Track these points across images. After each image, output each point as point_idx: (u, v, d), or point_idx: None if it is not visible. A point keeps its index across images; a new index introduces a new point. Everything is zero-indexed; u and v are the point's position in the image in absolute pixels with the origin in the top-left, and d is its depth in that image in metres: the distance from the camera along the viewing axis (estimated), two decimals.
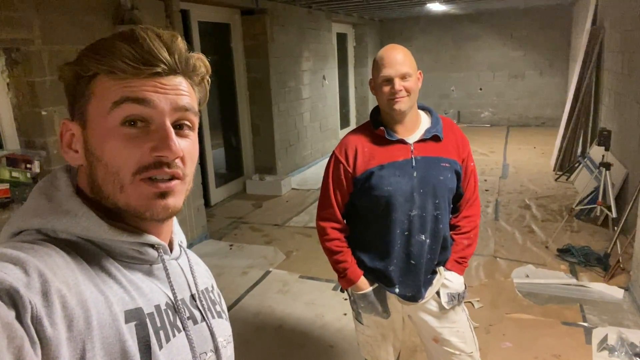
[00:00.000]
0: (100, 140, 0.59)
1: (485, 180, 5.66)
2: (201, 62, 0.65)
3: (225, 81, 5.53)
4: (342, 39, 8.43)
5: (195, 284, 0.72)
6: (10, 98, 2.97)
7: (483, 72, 9.55)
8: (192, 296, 0.71)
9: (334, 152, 1.67)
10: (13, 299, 0.47)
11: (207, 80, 0.67)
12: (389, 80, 1.52)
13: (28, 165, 2.91)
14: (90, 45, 0.61)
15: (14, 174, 2.76)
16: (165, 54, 0.59)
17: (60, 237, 0.59)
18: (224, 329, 0.74)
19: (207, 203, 4.82)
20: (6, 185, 2.67)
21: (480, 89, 9.68)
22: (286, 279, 3.44)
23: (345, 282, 1.69)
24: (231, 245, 4.13)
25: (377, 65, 1.55)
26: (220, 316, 0.74)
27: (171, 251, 0.70)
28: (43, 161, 2.97)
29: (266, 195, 5.48)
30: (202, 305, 0.71)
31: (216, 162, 5.35)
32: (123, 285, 0.60)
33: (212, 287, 0.78)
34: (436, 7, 7.51)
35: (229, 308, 3.06)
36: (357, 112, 9.20)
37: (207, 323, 0.70)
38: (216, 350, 0.70)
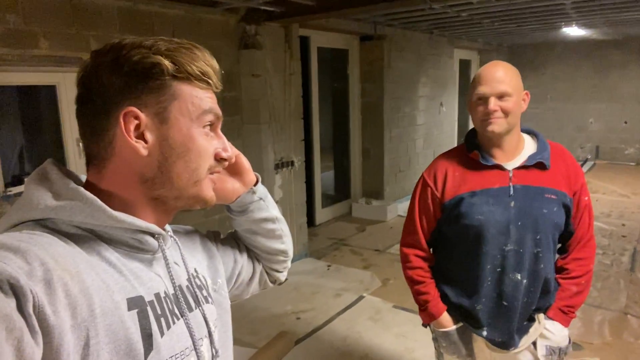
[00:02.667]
0: (187, 139, 0.64)
1: (624, 225, 4.94)
2: None
3: (339, 105, 5.64)
4: (465, 65, 8.13)
5: (187, 271, 0.73)
6: None
7: (630, 104, 8.46)
8: (188, 282, 0.73)
9: (422, 174, 1.57)
10: (13, 289, 0.47)
11: None
12: (484, 99, 1.38)
13: None
14: (174, 49, 0.63)
15: None
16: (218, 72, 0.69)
17: (59, 229, 0.59)
18: (211, 314, 0.74)
19: (311, 222, 4.90)
20: None
21: (626, 122, 8.57)
22: (379, 307, 3.32)
23: (426, 316, 1.56)
24: (329, 265, 4.12)
25: (474, 82, 1.43)
26: (207, 301, 0.74)
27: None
28: None
29: (371, 219, 5.41)
30: (195, 292, 0.72)
31: (325, 184, 5.44)
32: (124, 273, 0.60)
33: (195, 271, 0.77)
34: (574, 32, 6.88)
35: (318, 328, 3.03)
36: None
37: (200, 309, 0.71)
38: (210, 335, 0.72)
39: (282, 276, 0.98)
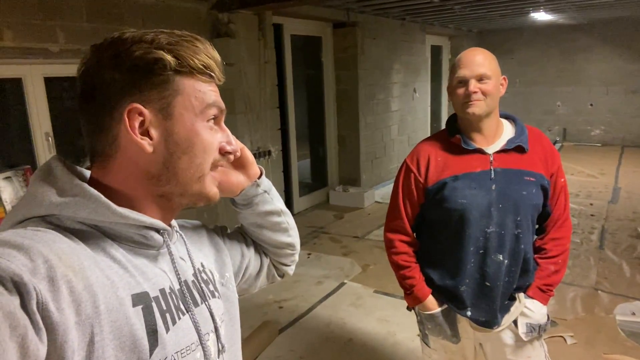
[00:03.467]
0: (191, 134, 0.63)
1: (592, 205, 5.12)
2: None
3: (314, 93, 5.63)
4: (436, 51, 8.21)
5: (193, 266, 0.73)
6: None
7: (595, 87, 8.72)
8: (194, 277, 0.72)
9: (405, 160, 1.59)
10: (17, 286, 0.47)
11: None
12: (464, 82, 1.41)
13: None
14: (176, 42, 0.61)
15: None
16: (220, 64, 0.67)
17: (64, 225, 0.59)
18: (218, 308, 0.74)
19: (289, 211, 4.89)
20: None
21: (591, 105, 8.84)
22: (360, 293, 3.36)
23: (411, 299, 1.58)
24: (309, 254, 4.14)
25: (454, 67, 1.45)
26: (213, 296, 0.74)
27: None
28: None
29: (348, 207, 5.45)
30: (201, 286, 0.72)
31: (301, 172, 5.44)
32: (128, 269, 0.60)
33: (202, 266, 0.77)
34: (541, 17, 7.02)
35: (301, 316, 3.05)
36: None
37: (206, 304, 0.71)
38: (216, 330, 0.71)
39: (290, 270, 0.97)
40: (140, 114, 0.60)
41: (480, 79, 1.39)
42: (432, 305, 1.54)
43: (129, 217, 0.60)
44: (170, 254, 0.67)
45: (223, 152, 0.68)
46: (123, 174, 0.63)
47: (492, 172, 1.43)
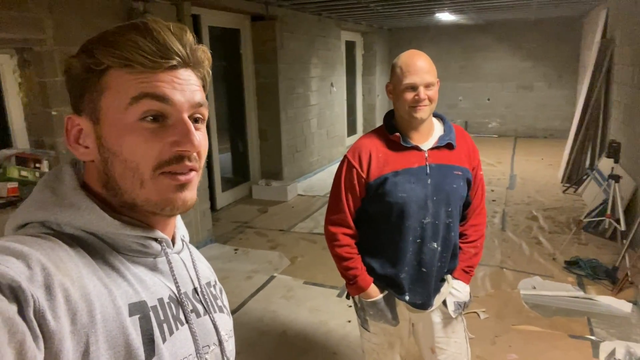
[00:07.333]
0: (117, 135, 0.58)
1: (492, 191, 5.63)
2: (205, 54, 0.65)
3: (233, 86, 5.55)
4: (350, 47, 8.46)
5: (198, 278, 0.72)
6: (21, 98, 2.99)
7: (492, 83, 9.54)
8: (195, 290, 0.71)
9: (346, 156, 1.66)
10: (15, 293, 0.46)
11: (209, 72, 0.67)
12: (414, 88, 1.51)
13: (37, 165, 2.92)
14: (100, 37, 0.59)
15: (23, 173, 2.77)
16: (179, 47, 0.59)
17: (64, 231, 0.58)
18: (225, 323, 0.74)
19: (212, 207, 4.81)
20: (15, 184, 2.68)
21: (489, 100, 9.66)
22: (291, 285, 3.43)
23: (354, 289, 1.67)
24: (236, 249, 4.12)
25: (402, 71, 1.53)
26: (221, 310, 0.75)
27: (173, 245, 0.70)
28: (52, 161, 2.98)
29: (272, 200, 5.48)
30: (205, 298, 0.71)
31: (223, 167, 5.36)
32: (127, 278, 0.59)
33: (215, 282, 0.78)
34: (446, 17, 7.52)
35: (233, 312, 3.05)
36: (365, 120, 9.19)
37: (210, 316, 0.70)
38: (220, 343, 0.71)
39: None
40: (76, 124, 0.62)
41: (427, 86, 1.51)
42: (375, 292, 1.64)
43: (121, 228, 0.60)
44: (169, 262, 0.66)
45: (175, 154, 0.59)
46: (93, 182, 0.63)
47: (428, 167, 1.56)
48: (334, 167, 7.23)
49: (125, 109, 0.57)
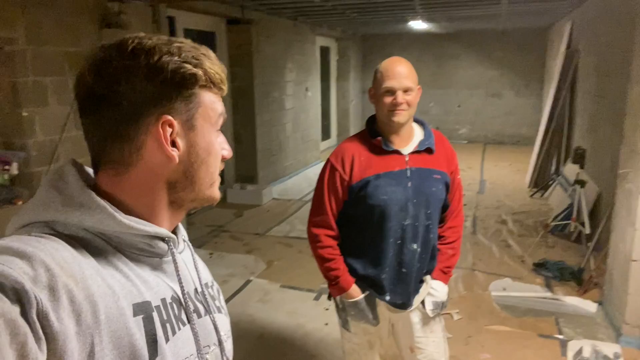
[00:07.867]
0: (209, 145, 0.67)
1: (463, 195, 5.76)
2: None
3: None
4: (325, 52, 8.53)
5: (199, 278, 0.74)
6: None
7: (462, 90, 9.78)
8: (196, 290, 0.72)
9: (329, 159, 1.68)
10: (18, 294, 0.47)
11: None
12: (392, 92, 1.55)
13: (6, 167, 2.83)
14: (202, 57, 0.64)
15: None
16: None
17: (67, 232, 0.58)
18: (224, 323, 0.76)
19: None
20: None
21: (459, 106, 9.90)
22: (267, 289, 3.42)
23: (336, 290, 1.69)
24: (211, 253, 4.09)
25: (382, 76, 1.57)
26: (219, 311, 0.76)
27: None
28: (22, 163, 2.90)
29: (247, 204, 5.46)
30: (205, 299, 0.72)
31: None
32: (130, 278, 0.60)
33: (212, 282, 0.80)
34: (418, 25, 7.68)
35: None
36: (339, 124, 9.27)
37: (210, 317, 0.71)
38: (220, 343, 0.72)
39: None
40: (171, 125, 0.62)
41: (406, 90, 1.55)
42: (356, 293, 1.66)
43: (133, 227, 0.60)
44: (175, 262, 0.67)
45: (222, 159, 0.72)
46: (140, 182, 0.63)
47: (408, 171, 1.60)
48: (309, 171, 7.29)
49: (215, 123, 0.67)
